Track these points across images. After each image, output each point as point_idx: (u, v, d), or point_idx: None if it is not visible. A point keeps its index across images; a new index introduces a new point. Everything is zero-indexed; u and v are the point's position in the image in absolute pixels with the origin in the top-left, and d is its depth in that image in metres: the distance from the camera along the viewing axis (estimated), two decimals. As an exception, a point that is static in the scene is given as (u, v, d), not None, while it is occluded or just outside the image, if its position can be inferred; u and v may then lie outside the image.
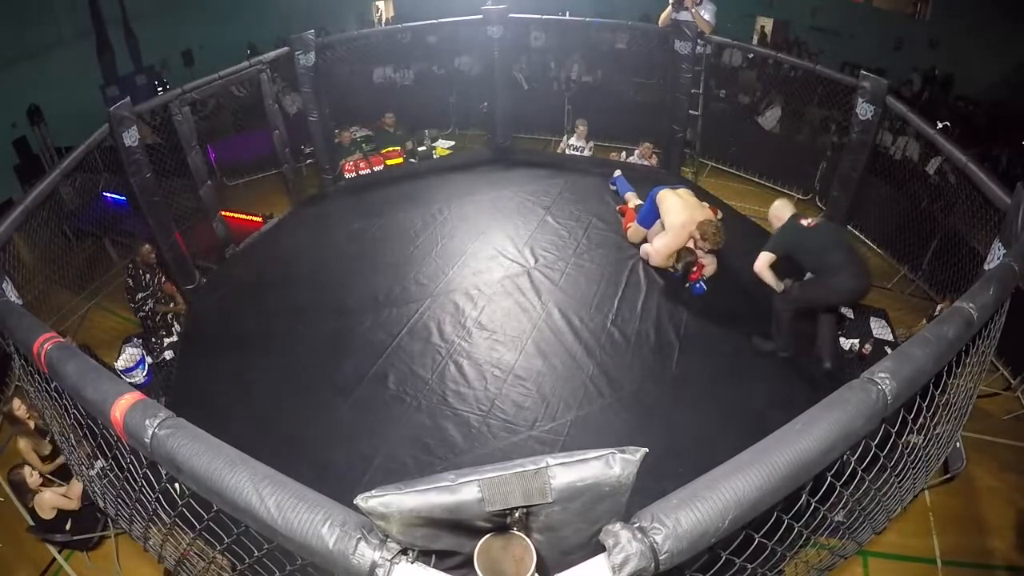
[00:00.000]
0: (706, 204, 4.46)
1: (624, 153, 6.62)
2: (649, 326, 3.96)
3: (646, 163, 6.39)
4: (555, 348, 3.81)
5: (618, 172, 5.58)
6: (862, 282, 3.49)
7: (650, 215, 4.41)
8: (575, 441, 3.23)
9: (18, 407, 3.90)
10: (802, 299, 3.62)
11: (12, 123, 7.87)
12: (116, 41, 9.14)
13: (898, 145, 7.25)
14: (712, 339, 3.89)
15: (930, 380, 1.32)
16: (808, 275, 3.69)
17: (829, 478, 1.30)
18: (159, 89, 8.64)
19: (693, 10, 5.13)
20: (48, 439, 3.93)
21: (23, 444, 3.80)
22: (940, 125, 4.30)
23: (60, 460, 3.84)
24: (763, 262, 3.56)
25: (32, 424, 3.93)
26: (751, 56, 9.12)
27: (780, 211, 3.75)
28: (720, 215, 4.57)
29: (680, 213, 4.15)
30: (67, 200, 5.28)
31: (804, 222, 3.56)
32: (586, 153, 6.82)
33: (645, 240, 4.53)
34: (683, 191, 4.32)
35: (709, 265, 4.30)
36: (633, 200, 5.04)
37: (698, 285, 4.23)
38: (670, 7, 5.25)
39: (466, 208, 5.33)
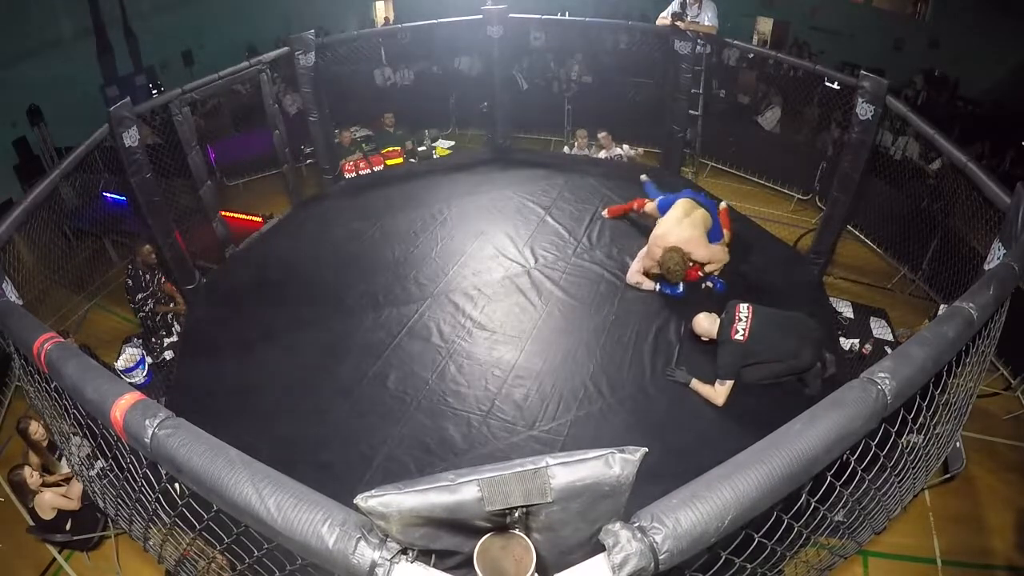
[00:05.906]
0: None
1: (603, 152, 6.53)
2: (649, 326, 3.96)
3: (617, 153, 6.32)
4: (555, 348, 3.81)
5: (644, 177, 5.37)
6: (818, 353, 3.40)
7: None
8: (575, 441, 3.23)
9: (35, 430, 3.86)
10: (768, 377, 3.46)
11: (12, 123, 7.87)
12: (116, 41, 9.14)
13: (898, 145, 7.25)
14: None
15: (930, 380, 1.31)
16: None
17: (829, 478, 1.30)
18: (154, 92, 8.66)
19: (693, 26, 5.13)
20: (56, 456, 3.91)
21: (29, 472, 3.66)
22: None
23: (65, 472, 3.84)
24: (723, 397, 3.36)
25: (46, 443, 3.90)
26: (751, 56, 9.11)
27: (706, 328, 3.53)
28: (727, 239, 4.39)
29: (661, 224, 4.06)
30: (67, 200, 5.27)
31: (737, 336, 3.31)
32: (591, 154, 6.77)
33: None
34: (693, 208, 4.15)
35: (712, 265, 4.17)
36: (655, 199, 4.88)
37: (719, 284, 4.14)
38: (669, 18, 5.22)
39: (466, 208, 5.33)
